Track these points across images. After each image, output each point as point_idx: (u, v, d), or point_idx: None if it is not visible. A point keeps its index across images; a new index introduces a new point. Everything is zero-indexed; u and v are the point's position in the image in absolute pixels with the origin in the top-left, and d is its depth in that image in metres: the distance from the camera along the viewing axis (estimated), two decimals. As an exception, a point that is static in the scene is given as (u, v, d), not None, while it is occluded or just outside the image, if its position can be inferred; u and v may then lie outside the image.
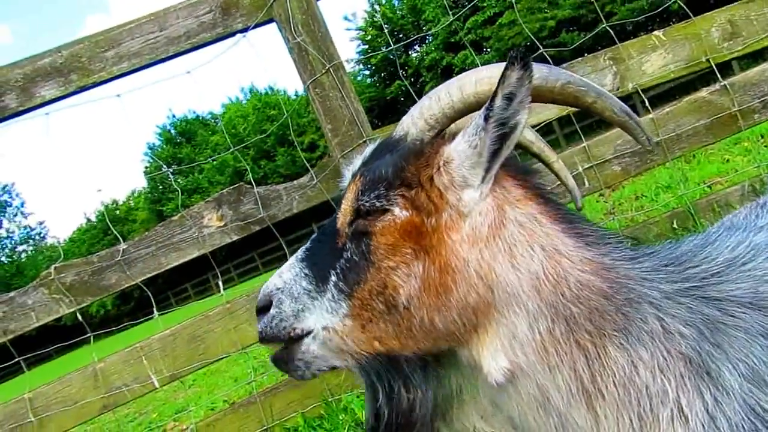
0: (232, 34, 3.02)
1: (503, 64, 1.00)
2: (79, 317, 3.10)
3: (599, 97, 1.12)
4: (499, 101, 1.00)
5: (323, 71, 2.93)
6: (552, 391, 1.00)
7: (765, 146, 5.62)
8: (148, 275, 3.12)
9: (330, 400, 3.18)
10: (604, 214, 5.70)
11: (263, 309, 1.18)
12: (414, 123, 1.15)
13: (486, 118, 1.02)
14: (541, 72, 1.09)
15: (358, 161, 1.23)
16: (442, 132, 1.15)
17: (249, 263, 30.77)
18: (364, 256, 1.09)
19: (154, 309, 3.16)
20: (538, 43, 3.14)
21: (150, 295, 3.35)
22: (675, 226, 2.98)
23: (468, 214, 1.06)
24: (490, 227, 1.05)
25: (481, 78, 1.10)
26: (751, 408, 0.92)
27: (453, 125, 1.16)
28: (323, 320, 1.11)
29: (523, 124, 1.03)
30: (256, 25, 2.99)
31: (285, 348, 1.18)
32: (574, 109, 3.02)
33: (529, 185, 1.12)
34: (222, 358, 3.17)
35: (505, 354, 1.02)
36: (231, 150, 3.45)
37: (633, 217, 4.34)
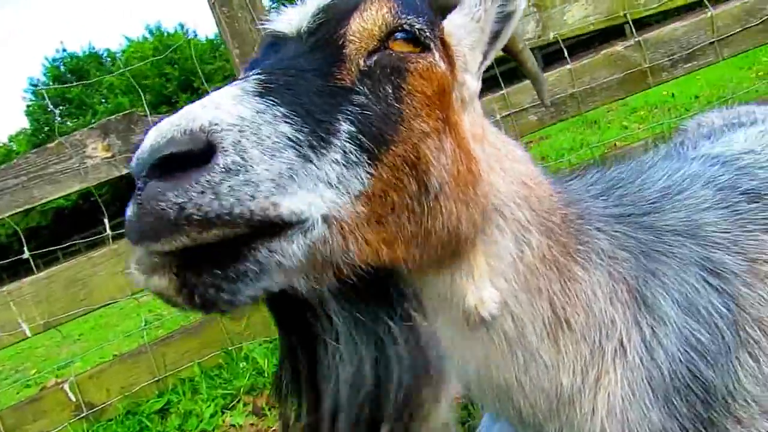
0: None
1: None
2: (-72, 256, 2.63)
3: (526, 48, 1.12)
4: None
5: (231, -12, 2.62)
6: (528, 324, 0.88)
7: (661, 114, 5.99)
8: (18, 210, 2.71)
9: (230, 348, 3.00)
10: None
11: (186, 159, 0.61)
12: None
13: None
14: None
15: None
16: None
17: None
18: (389, 105, 0.75)
19: (25, 248, 2.76)
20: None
21: (21, 234, 2.93)
22: (583, 178, 3.05)
23: (469, 103, 0.89)
24: (482, 127, 0.90)
25: None
26: (686, 339, 0.88)
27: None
28: (324, 203, 0.66)
29: (521, 10, 0.94)
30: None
31: (234, 241, 0.64)
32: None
33: None
34: (107, 305, 2.86)
35: (491, 280, 0.86)
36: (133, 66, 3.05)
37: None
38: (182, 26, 38.53)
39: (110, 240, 2.90)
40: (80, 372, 3.13)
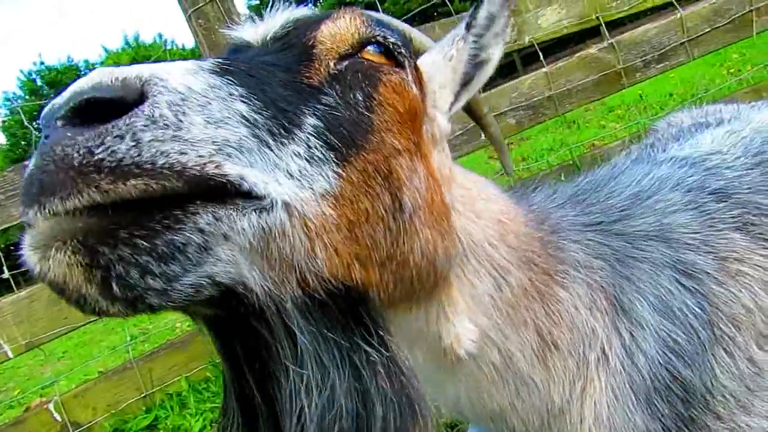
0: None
1: None
2: None
3: (489, 114, 1.14)
4: (483, 11, 0.92)
5: (207, 0, 2.61)
6: (515, 353, 0.87)
7: (637, 113, 6.09)
8: (-4, 229, 2.67)
9: (217, 361, 2.97)
10: (496, 173, 5.90)
11: (113, 109, 0.50)
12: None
13: (468, 26, 0.92)
14: None
15: (293, 14, 0.81)
16: None
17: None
18: (360, 113, 0.69)
19: (5, 268, 2.72)
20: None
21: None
22: (563, 178, 3.09)
23: (439, 141, 0.86)
24: (450, 169, 0.87)
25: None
26: (664, 341, 0.89)
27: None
28: (284, 190, 0.57)
29: (496, 60, 0.94)
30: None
31: (165, 202, 0.51)
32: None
33: None
34: (91, 322, 2.83)
35: (470, 318, 0.83)
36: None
37: (521, 175, 4.51)
38: (160, 36, 38.25)
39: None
40: (65, 391, 3.09)
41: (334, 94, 0.68)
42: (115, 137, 0.49)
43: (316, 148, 0.61)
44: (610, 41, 3.01)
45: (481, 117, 1.09)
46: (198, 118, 0.53)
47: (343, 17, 0.77)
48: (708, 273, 0.93)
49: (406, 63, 0.79)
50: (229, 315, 0.58)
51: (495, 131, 1.12)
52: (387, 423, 0.61)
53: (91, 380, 3.15)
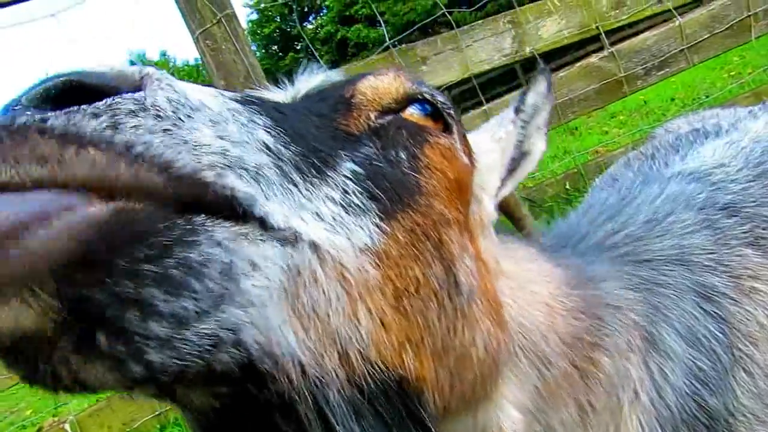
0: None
1: None
2: None
3: (529, 215, 1.09)
4: (530, 99, 0.92)
5: (214, 21, 2.66)
6: (556, 425, 0.81)
7: (639, 118, 6.12)
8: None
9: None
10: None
11: (86, 93, 0.39)
12: None
13: (517, 110, 0.92)
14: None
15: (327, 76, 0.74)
16: None
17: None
18: (404, 173, 0.58)
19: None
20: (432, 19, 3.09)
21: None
22: (567, 187, 3.11)
23: (486, 227, 0.78)
24: (496, 260, 0.77)
25: None
26: (690, 369, 0.87)
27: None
28: (311, 230, 0.46)
29: (538, 153, 0.91)
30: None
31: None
32: (474, 72, 3.02)
33: None
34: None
35: (512, 406, 0.77)
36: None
37: (526, 183, 4.54)
38: (164, 54, 38.56)
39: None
40: (79, 411, 3.11)
41: (374, 147, 0.59)
42: (86, 114, 0.37)
43: (355, 194, 0.51)
44: (610, 50, 3.04)
45: (520, 218, 1.05)
46: (207, 129, 0.42)
47: (387, 73, 0.69)
48: (725, 294, 0.93)
49: (455, 128, 0.70)
50: (239, 409, 0.42)
51: (531, 229, 1.08)
52: None
53: (104, 399, 3.17)
